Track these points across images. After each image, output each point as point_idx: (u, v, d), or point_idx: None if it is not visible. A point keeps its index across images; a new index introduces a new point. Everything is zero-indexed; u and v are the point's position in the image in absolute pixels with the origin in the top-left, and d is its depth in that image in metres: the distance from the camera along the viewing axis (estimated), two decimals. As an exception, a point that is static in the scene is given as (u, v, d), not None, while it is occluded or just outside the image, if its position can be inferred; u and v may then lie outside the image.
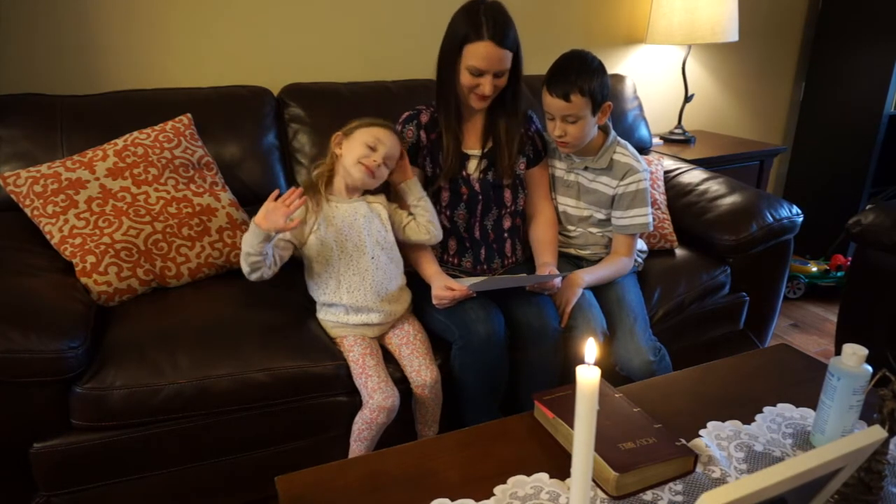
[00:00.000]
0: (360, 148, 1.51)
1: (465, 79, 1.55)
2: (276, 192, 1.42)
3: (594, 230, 1.78)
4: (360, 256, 1.53)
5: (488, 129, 1.68)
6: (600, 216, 1.76)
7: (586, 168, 1.74)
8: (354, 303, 1.53)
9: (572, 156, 1.74)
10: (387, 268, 1.56)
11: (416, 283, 1.63)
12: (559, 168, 1.79)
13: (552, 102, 1.60)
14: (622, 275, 1.75)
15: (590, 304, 1.64)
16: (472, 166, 1.68)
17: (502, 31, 1.51)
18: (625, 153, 1.71)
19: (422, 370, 1.51)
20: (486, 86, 1.54)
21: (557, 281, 1.60)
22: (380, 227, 1.57)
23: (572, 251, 1.83)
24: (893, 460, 1.02)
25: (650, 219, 1.72)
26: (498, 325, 1.52)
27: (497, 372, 1.55)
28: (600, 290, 1.72)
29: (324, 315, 1.57)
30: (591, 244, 1.80)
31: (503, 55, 1.52)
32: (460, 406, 1.57)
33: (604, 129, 1.72)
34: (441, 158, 1.64)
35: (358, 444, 1.47)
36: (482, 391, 1.55)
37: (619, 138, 1.74)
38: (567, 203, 1.79)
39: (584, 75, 1.57)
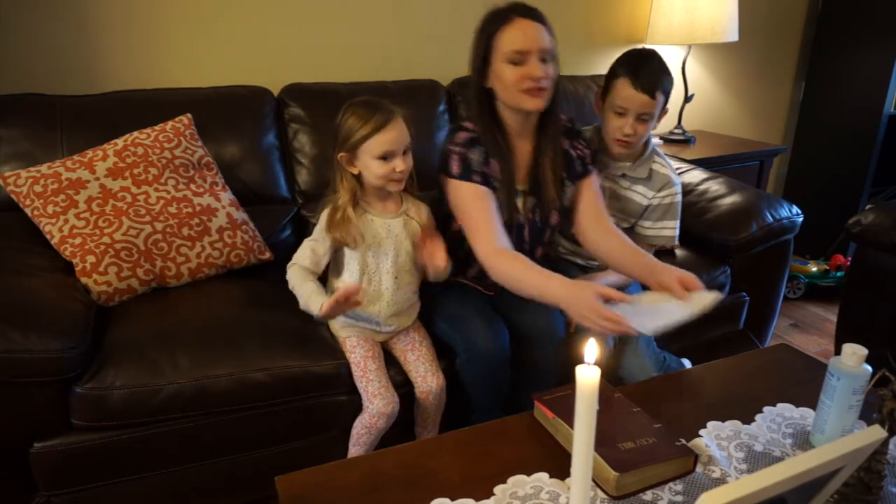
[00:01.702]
0: (376, 166, 1.40)
1: (509, 75, 1.36)
2: (350, 290, 1.36)
3: None
4: (381, 275, 1.49)
5: (534, 162, 1.52)
6: (625, 225, 1.69)
7: (623, 175, 1.67)
8: (366, 313, 1.50)
9: (611, 161, 1.67)
10: (406, 288, 1.53)
11: (424, 290, 1.61)
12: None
13: (635, 97, 1.51)
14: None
15: None
16: (520, 205, 1.54)
17: (531, 9, 1.39)
18: (663, 164, 1.67)
19: (428, 376, 1.50)
20: (535, 68, 1.34)
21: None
22: (409, 247, 1.51)
23: (580, 261, 1.78)
24: (893, 460, 1.02)
25: (677, 233, 1.66)
26: (502, 339, 1.49)
27: (501, 381, 1.53)
28: None
29: None
30: None
31: (540, 29, 1.37)
32: (466, 409, 1.56)
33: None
34: (497, 196, 1.48)
35: (356, 448, 1.47)
36: (487, 398, 1.54)
37: (657, 148, 1.70)
38: None
39: (665, 74, 1.52)
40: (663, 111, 1.59)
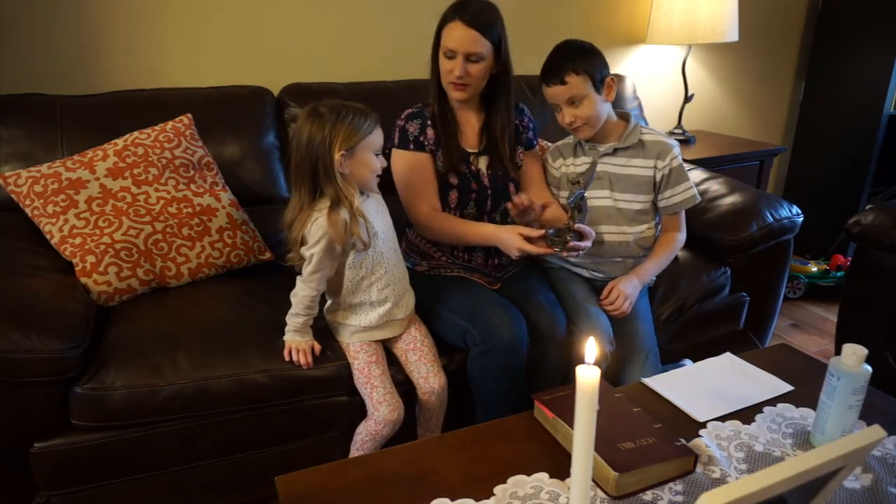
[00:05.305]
0: (373, 160, 1.41)
1: (442, 65, 1.56)
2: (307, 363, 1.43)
3: (628, 230, 1.68)
4: (389, 253, 1.48)
5: (484, 127, 1.66)
6: (637, 206, 1.67)
7: (615, 151, 1.66)
8: (383, 298, 1.46)
9: (595, 146, 1.67)
10: (397, 247, 1.53)
11: (422, 284, 1.61)
12: (584, 162, 1.69)
13: (551, 92, 1.58)
14: (677, 252, 1.75)
15: (597, 313, 1.61)
16: (478, 164, 1.66)
17: (474, 14, 1.51)
18: (651, 132, 1.68)
19: (430, 377, 1.49)
20: (456, 68, 1.52)
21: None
22: (388, 216, 1.53)
23: (584, 273, 1.73)
24: (893, 460, 1.02)
25: (695, 190, 1.68)
26: (521, 330, 1.50)
27: (516, 377, 1.51)
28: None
29: (344, 319, 1.49)
30: (614, 256, 1.69)
31: (473, 36, 1.51)
32: (473, 408, 1.55)
33: (623, 117, 1.69)
34: (440, 154, 1.62)
35: (358, 454, 1.46)
36: (497, 395, 1.51)
37: (640, 122, 1.70)
38: (598, 195, 1.67)
39: (574, 57, 1.56)
40: (606, 81, 1.59)
